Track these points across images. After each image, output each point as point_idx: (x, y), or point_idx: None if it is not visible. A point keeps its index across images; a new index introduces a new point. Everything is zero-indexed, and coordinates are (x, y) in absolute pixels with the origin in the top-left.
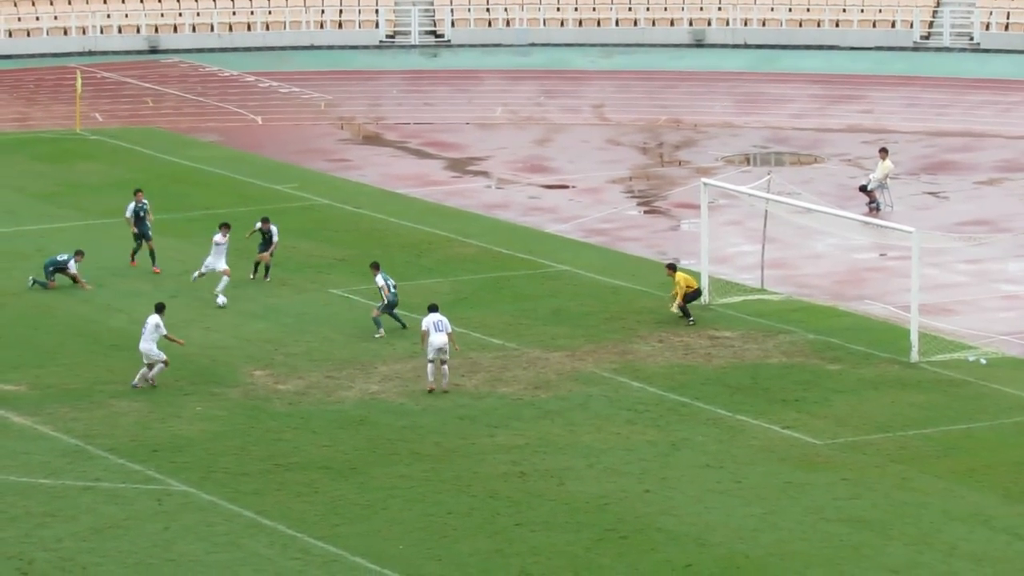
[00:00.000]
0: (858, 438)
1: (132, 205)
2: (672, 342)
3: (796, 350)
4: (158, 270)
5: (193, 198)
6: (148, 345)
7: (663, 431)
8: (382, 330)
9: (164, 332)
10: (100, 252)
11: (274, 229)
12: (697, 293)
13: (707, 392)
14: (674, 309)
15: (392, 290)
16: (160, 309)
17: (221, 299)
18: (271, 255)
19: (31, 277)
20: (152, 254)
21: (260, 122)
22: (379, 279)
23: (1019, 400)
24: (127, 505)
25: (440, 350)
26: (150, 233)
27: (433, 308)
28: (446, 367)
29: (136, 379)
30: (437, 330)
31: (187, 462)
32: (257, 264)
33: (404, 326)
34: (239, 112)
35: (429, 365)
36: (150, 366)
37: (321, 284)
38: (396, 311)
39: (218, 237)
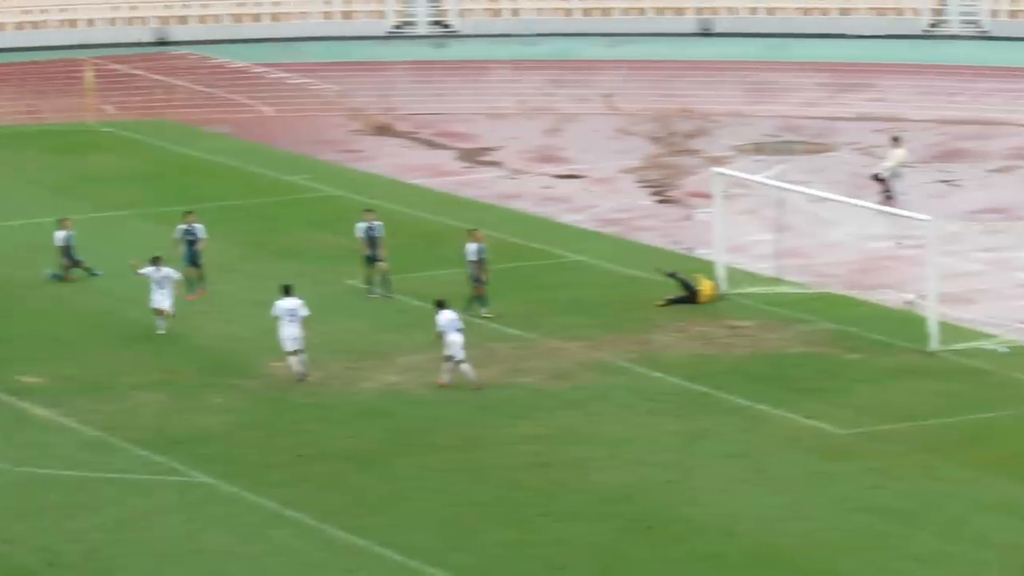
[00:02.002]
0: (881, 427)
1: (181, 227)
2: (691, 332)
3: (815, 339)
4: (193, 296)
5: (205, 190)
6: (293, 331)
7: (685, 421)
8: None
9: (307, 312)
10: (115, 244)
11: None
12: (689, 296)
13: (728, 382)
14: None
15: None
16: (289, 290)
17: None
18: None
19: (47, 270)
20: (191, 282)
21: (271, 113)
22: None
23: None
24: (151, 497)
25: (457, 349)
26: (200, 261)
27: (441, 305)
28: (465, 367)
29: (299, 369)
30: (453, 329)
31: (210, 454)
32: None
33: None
34: (249, 104)
35: (447, 363)
36: (295, 352)
37: (337, 275)
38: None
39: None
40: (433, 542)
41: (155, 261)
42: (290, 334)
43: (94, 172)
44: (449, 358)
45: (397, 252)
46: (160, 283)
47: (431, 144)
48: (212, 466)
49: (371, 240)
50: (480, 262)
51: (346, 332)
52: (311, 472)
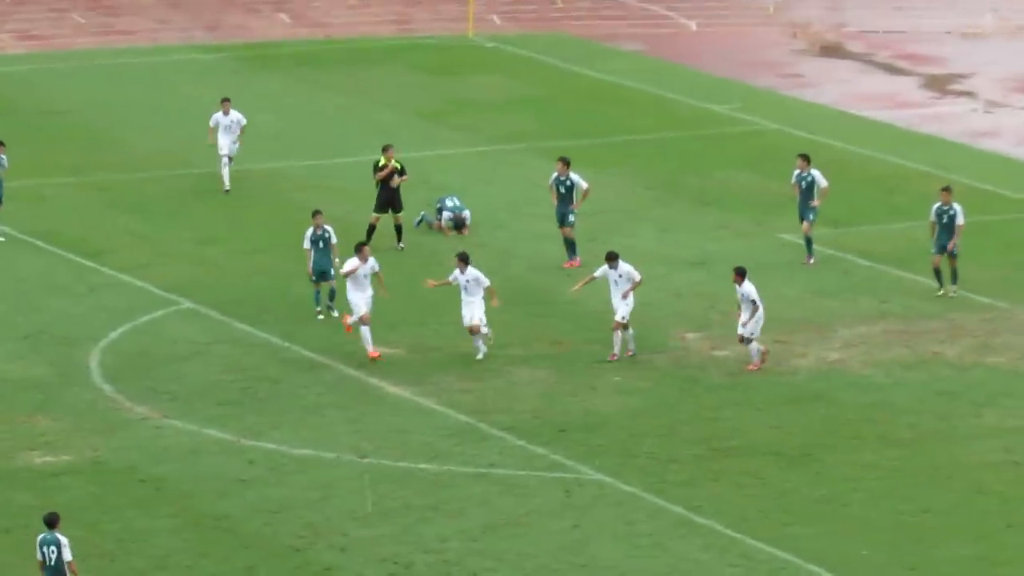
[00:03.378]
0: None
1: (309, 232)
2: None
3: None
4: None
5: (611, 120)
6: (624, 305)
7: None
8: None
9: (639, 278)
10: (496, 185)
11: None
12: None
13: None
14: None
15: None
16: (613, 258)
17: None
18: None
19: (422, 212)
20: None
21: (694, 28)
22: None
23: None
24: (528, 497)
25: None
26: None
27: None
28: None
29: (620, 349)
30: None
31: (602, 445)
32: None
33: None
34: (668, 15)
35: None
36: (625, 326)
37: (768, 227)
38: None
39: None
40: (875, 558)
41: (464, 260)
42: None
43: (473, 96)
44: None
45: (841, 200)
46: (468, 289)
47: (889, 69)
48: (605, 460)
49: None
50: (950, 226)
51: (776, 298)
52: (725, 469)
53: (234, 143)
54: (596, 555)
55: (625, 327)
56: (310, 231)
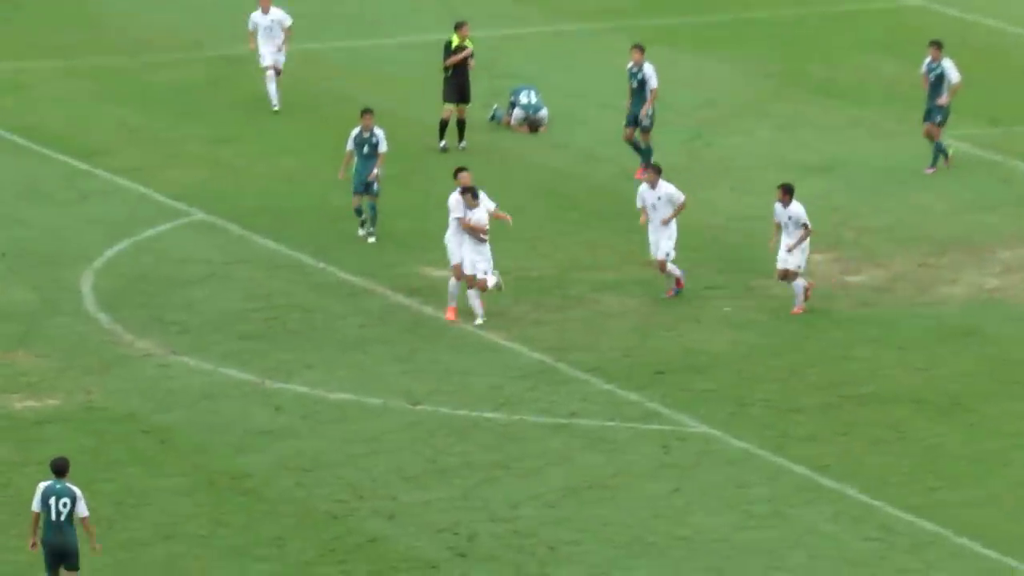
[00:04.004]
0: None
1: (355, 132)
2: None
3: None
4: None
5: None
6: (666, 238)
7: None
8: None
9: (683, 200)
10: (578, 73)
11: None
12: None
13: None
14: None
15: None
16: (655, 173)
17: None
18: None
19: (494, 106)
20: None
21: None
22: None
23: None
24: (617, 454)
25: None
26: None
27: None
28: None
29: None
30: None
31: (709, 391)
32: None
33: None
34: None
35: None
36: (665, 265)
37: (912, 125)
38: None
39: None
40: None
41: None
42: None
43: None
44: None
45: (1002, 93)
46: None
47: None
48: (712, 409)
49: None
50: None
51: (921, 212)
52: (859, 421)
53: (279, 51)
54: (700, 525)
55: (665, 267)
56: (355, 131)
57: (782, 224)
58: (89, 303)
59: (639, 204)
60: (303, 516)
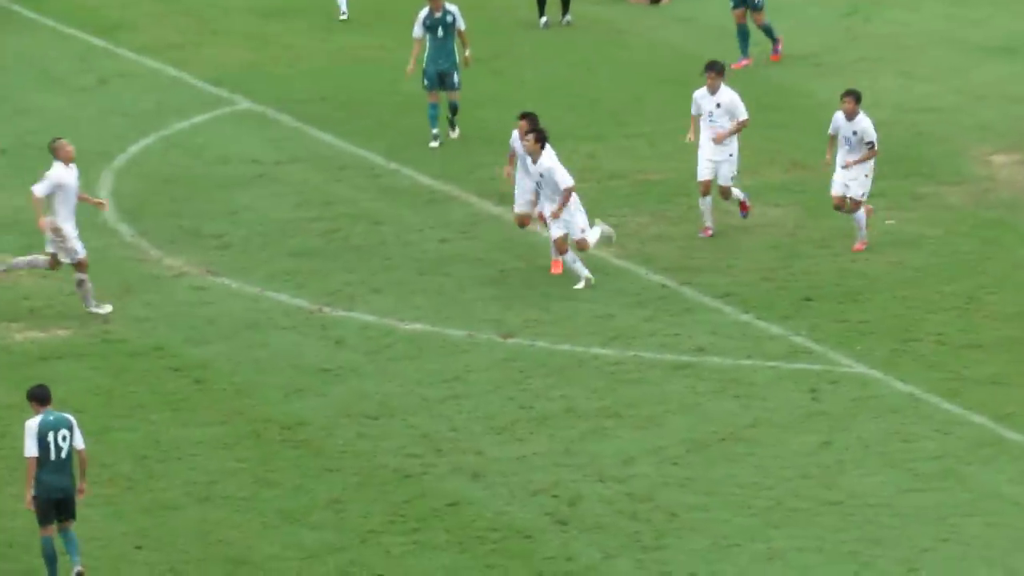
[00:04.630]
0: None
1: (423, 14)
2: None
3: None
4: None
5: None
6: (728, 160)
7: None
8: None
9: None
10: None
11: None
12: None
13: None
14: None
15: None
16: (716, 73)
17: None
18: None
19: None
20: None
21: None
22: None
23: None
24: (754, 399)
25: None
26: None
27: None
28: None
29: (712, 220)
30: (711, 121)
31: (866, 322)
32: None
33: None
34: None
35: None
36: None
37: None
38: None
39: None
40: None
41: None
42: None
43: None
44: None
45: None
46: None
47: None
48: (870, 344)
49: None
50: None
51: None
52: None
53: None
54: (856, 487)
55: (729, 193)
56: (423, 13)
57: (843, 139)
58: (108, 210)
59: (693, 112)
60: (367, 475)
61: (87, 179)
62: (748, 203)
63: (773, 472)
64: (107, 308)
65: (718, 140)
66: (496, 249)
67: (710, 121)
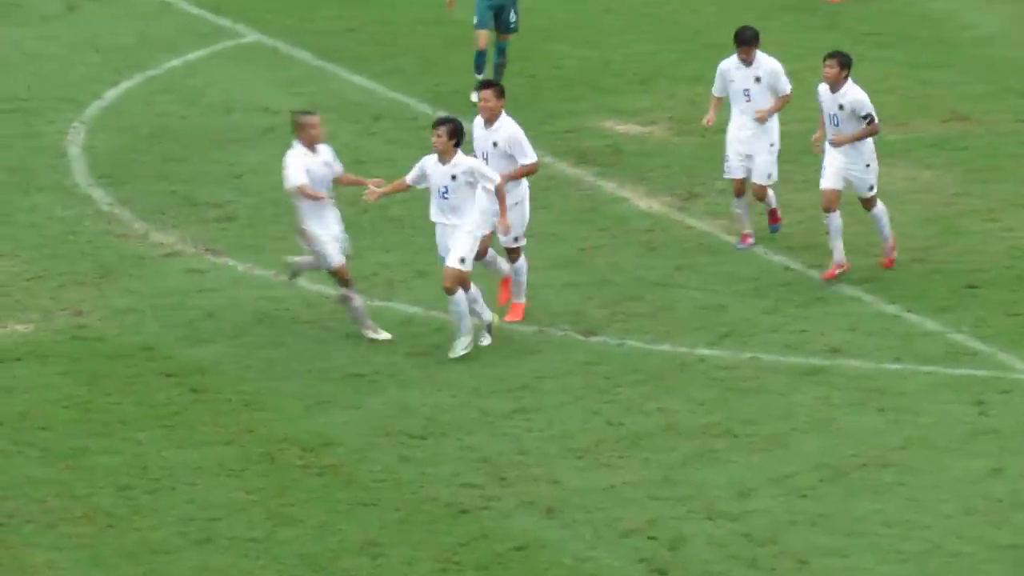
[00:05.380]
0: None
1: None
2: None
3: None
4: None
5: None
6: (766, 148)
7: None
8: None
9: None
10: None
11: None
12: None
13: None
14: None
15: None
16: (748, 43)
17: None
18: None
19: None
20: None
21: None
22: None
23: None
24: (905, 413)
25: None
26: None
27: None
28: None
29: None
30: (747, 100)
31: None
32: None
33: None
34: None
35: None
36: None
37: None
38: None
39: None
40: None
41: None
42: None
43: None
44: None
45: None
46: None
47: None
48: None
49: None
50: None
51: None
52: None
53: None
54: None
55: (765, 194)
56: None
57: (828, 116)
58: (79, 172)
59: (717, 91)
60: (411, 510)
61: (52, 131)
62: (780, 214)
63: (929, 507)
64: (385, 335)
65: (762, 120)
66: (574, 222)
67: (745, 101)
